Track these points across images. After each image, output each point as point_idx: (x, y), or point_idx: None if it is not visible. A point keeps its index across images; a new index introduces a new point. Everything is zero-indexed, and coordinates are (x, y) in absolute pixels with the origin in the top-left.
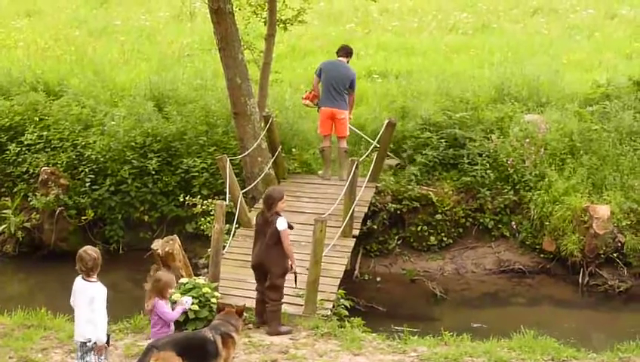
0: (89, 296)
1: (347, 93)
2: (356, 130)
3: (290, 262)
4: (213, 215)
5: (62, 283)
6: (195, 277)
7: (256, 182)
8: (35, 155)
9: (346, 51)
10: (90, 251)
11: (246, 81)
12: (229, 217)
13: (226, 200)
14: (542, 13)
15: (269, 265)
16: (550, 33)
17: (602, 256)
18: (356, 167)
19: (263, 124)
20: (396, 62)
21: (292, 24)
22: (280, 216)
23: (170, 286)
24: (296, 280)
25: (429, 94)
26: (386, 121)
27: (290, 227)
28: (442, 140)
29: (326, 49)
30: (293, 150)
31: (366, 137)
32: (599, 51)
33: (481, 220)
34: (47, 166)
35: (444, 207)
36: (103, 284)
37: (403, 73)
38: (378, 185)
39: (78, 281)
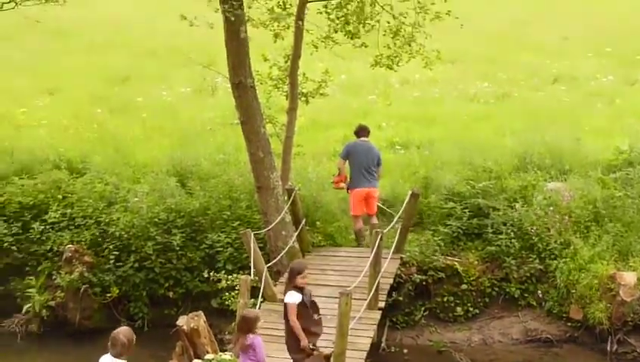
0: None
1: (376, 170)
2: (379, 204)
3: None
4: (238, 290)
5: None
6: (220, 353)
7: (280, 255)
8: (59, 233)
9: (367, 131)
10: (122, 336)
11: (268, 155)
12: (253, 292)
13: (250, 275)
14: (562, 82)
15: (286, 340)
16: (571, 101)
17: (630, 323)
18: (381, 239)
19: (286, 198)
20: (418, 133)
21: (313, 97)
22: (294, 290)
23: (259, 320)
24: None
25: (452, 164)
26: (410, 192)
27: (313, 303)
28: (466, 210)
29: (347, 121)
30: (317, 223)
31: (389, 211)
32: (620, 117)
33: (507, 289)
34: (71, 244)
35: (469, 277)
36: None
37: (425, 143)
38: (403, 256)
39: (105, 359)
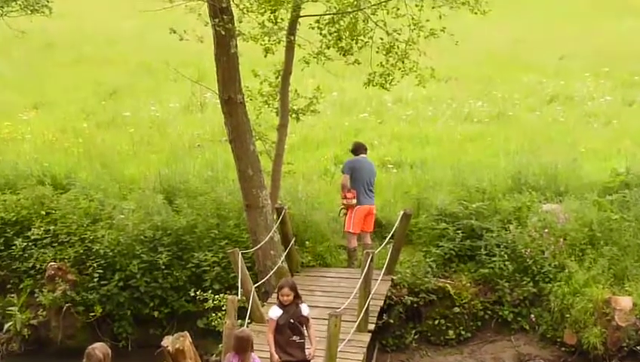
0: None
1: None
2: None
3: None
4: (224, 310)
5: None
6: None
7: (269, 276)
8: (42, 250)
9: (365, 148)
10: (98, 351)
11: (258, 173)
12: (241, 312)
13: (238, 295)
14: (558, 101)
15: None
16: (567, 121)
17: (625, 348)
18: (371, 260)
19: (275, 217)
20: (410, 152)
21: (304, 114)
22: (279, 306)
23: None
24: None
25: (444, 184)
26: (401, 213)
27: (293, 324)
28: (459, 231)
29: (339, 139)
30: (307, 243)
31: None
32: (617, 139)
33: (500, 313)
34: (54, 261)
35: (461, 300)
36: None
37: (417, 163)
38: (394, 277)
39: None
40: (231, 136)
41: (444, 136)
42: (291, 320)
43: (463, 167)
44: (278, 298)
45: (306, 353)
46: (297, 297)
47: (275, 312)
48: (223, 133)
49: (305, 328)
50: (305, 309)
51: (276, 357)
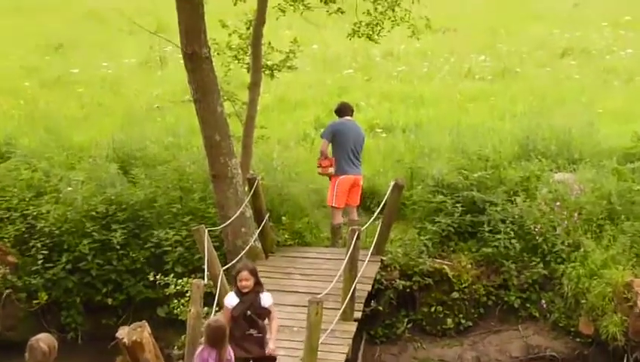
0: None
1: (360, 155)
2: None
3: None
4: (189, 296)
5: None
6: None
7: (239, 256)
8: None
9: (351, 109)
10: (43, 343)
11: (226, 138)
12: (207, 299)
13: (204, 279)
14: (572, 55)
15: None
16: (582, 78)
17: None
18: (357, 238)
19: (246, 189)
20: (403, 114)
21: (280, 70)
22: (236, 293)
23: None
24: None
25: (442, 151)
26: (392, 183)
27: (248, 316)
28: (458, 205)
29: (320, 99)
30: (283, 218)
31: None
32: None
33: (506, 299)
34: None
35: (461, 284)
36: None
37: (411, 127)
38: (384, 258)
39: None
40: (195, 96)
41: (442, 95)
42: (248, 312)
43: (463, 131)
44: (235, 284)
45: (267, 349)
46: (258, 284)
47: (230, 300)
48: (187, 92)
49: (266, 320)
50: (266, 299)
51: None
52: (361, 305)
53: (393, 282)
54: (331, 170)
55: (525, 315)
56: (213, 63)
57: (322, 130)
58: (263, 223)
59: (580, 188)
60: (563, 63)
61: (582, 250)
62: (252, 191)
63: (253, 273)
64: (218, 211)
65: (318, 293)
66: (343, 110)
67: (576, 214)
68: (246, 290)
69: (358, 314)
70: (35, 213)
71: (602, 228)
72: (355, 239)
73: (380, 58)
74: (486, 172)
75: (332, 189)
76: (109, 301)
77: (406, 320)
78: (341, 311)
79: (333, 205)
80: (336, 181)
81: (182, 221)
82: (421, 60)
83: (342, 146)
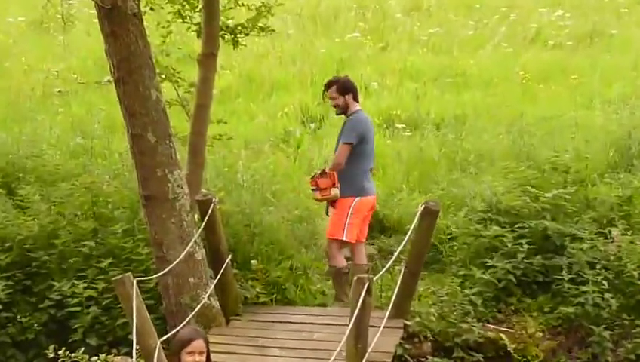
0: None
1: None
2: None
3: None
4: None
5: None
6: None
7: (186, 321)
8: None
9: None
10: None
11: (165, 140)
12: None
13: (132, 357)
14: None
15: None
16: None
17: None
18: (367, 292)
19: (197, 217)
20: (436, 101)
21: (247, 34)
22: None
23: None
24: None
25: (496, 158)
26: (421, 208)
27: None
28: (522, 240)
29: (308, 77)
30: (254, 262)
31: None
32: None
33: None
34: None
35: (528, 361)
36: None
37: (449, 120)
38: (408, 323)
39: None
40: (117, 75)
41: (496, 72)
42: None
43: (529, 127)
44: (180, 357)
45: None
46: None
47: None
48: (104, 69)
49: None
50: None
51: None
52: None
53: (424, 360)
54: (335, 192)
55: None
56: (145, 24)
57: (312, 125)
58: (223, 270)
59: None
60: None
61: None
62: (205, 220)
63: (208, 343)
64: (153, 252)
65: None
66: (356, 91)
67: None
68: None
69: None
70: None
71: None
72: (363, 294)
73: (402, 15)
74: (565, 190)
75: (342, 215)
76: None
77: None
78: None
79: (344, 239)
80: (351, 204)
81: (97, 267)
82: (465, 18)
83: (364, 156)
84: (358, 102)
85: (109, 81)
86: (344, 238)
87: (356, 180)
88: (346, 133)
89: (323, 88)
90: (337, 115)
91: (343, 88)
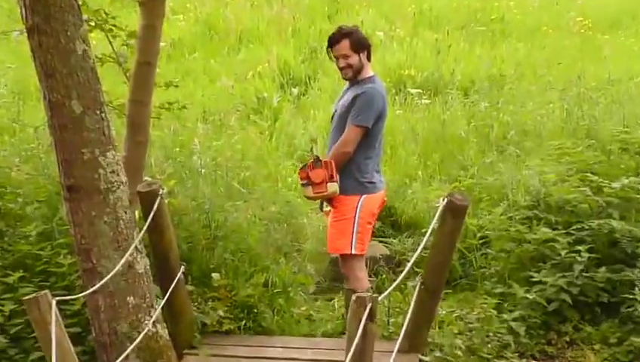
0: None
1: None
2: None
3: None
4: None
5: None
6: None
7: (124, 356)
8: None
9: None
10: None
11: (96, 109)
12: None
13: None
14: None
15: None
16: None
17: None
18: (370, 316)
19: (138, 214)
20: (464, 57)
21: None
22: None
23: None
24: None
25: (545, 134)
26: (443, 202)
27: None
28: (580, 247)
29: (288, 26)
30: (215, 276)
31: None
32: None
33: None
34: None
35: None
36: None
37: (480, 83)
38: (425, 358)
39: None
40: (30, 21)
41: (545, 18)
42: None
43: (589, 92)
44: None
45: None
46: None
47: None
48: (14, 16)
49: None
50: None
51: None
52: None
53: None
54: (333, 187)
55: None
56: None
57: (294, 89)
58: (173, 286)
59: None
60: None
61: None
62: (150, 219)
63: None
64: (79, 262)
65: None
66: (370, 48)
67: None
68: None
69: None
70: None
71: None
72: (364, 320)
73: None
74: (638, 178)
75: (346, 220)
76: None
77: None
78: None
79: (353, 252)
80: (356, 205)
81: (2, 282)
82: None
83: (375, 138)
84: (370, 62)
85: (21, 31)
86: (353, 251)
87: (363, 172)
88: (360, 110)
89: (327, 43)
90: (346, 79)
91: (358, 43)
